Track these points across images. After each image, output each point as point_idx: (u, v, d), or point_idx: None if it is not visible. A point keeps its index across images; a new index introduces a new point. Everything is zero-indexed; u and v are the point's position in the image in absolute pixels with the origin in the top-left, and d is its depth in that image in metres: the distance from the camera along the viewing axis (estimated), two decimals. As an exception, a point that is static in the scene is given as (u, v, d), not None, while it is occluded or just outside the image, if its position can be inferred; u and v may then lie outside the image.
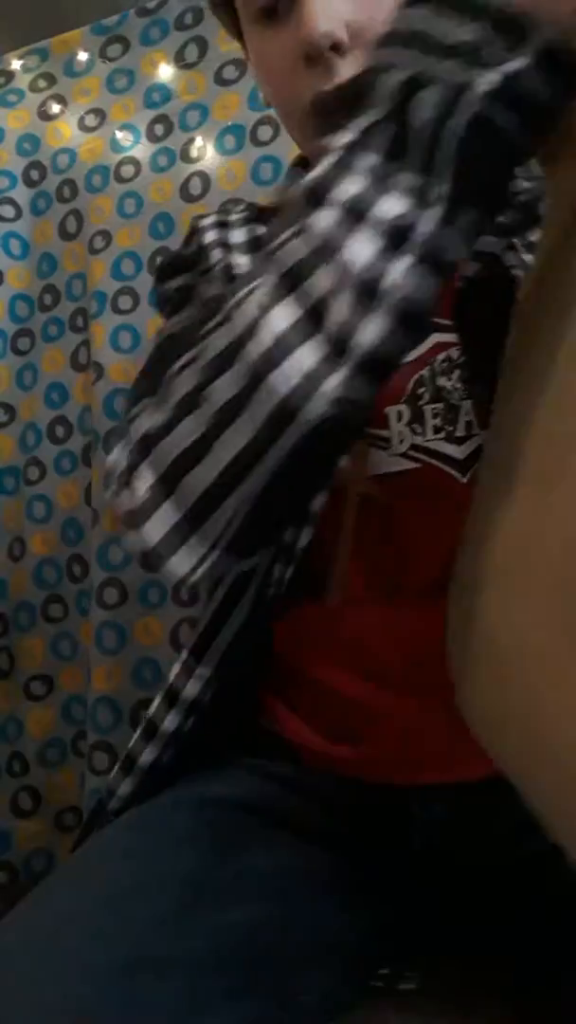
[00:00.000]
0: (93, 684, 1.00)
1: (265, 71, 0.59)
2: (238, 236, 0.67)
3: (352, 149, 0.35)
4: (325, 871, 0.53)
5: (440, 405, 0.57)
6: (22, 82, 1.12)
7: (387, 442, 0.56)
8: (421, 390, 0.57)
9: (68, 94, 1.10)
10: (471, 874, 0.54)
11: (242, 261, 0.65)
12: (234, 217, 0.70)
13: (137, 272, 1.02)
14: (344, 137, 0.36)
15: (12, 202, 1.10)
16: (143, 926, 0.43)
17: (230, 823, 0.52)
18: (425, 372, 0.57)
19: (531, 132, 0.34)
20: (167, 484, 0.39)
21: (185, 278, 0.67)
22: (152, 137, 1.04)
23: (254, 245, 0.65)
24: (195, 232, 0.70)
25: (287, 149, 0.93)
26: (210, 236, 0.67)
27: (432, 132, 0.33)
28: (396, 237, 0.34)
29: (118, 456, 0.43)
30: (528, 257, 0.56)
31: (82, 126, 1.08)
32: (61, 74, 1.11)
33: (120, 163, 1.04)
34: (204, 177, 0.99)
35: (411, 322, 0.35)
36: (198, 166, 1.00)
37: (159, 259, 1.01)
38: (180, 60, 1.03)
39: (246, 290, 0.38)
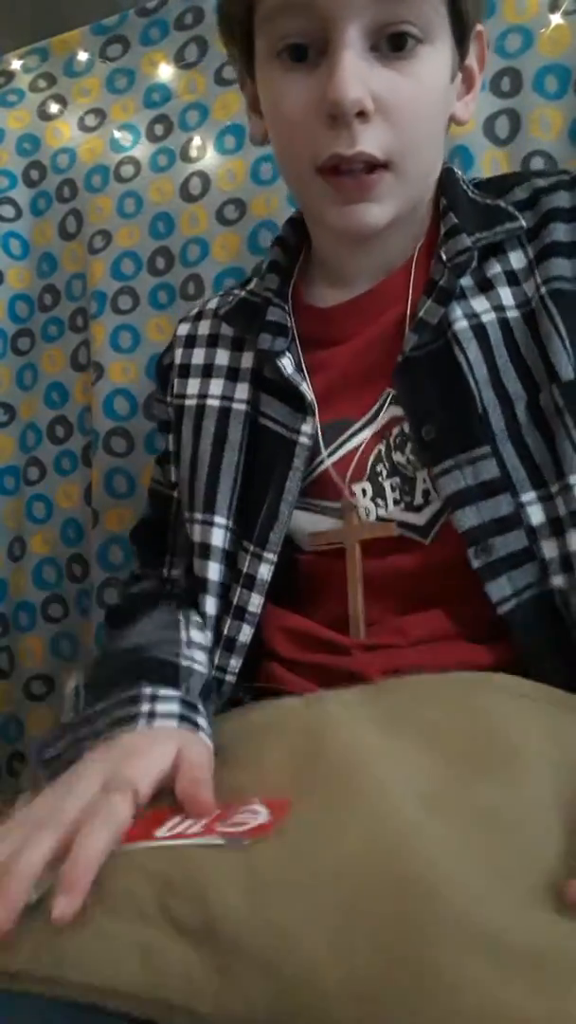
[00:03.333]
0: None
1: (280, 115, 0.59)
2: (204, 328, 0.74)
3: None
4: None
5: (397, 479, 0.61)
6: (22, 82, 1.12)
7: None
8: (379, 467, 0.62)
9: (68, 94, 1.10)
10: None
11: (199, 356, 0.73)
12: (211, 306, 0.75)
13: (137, 272, 1.02)
14: None
15: (12, 202, 1.10)
16: None
17: None
18: (382, 447, 0.62)
19: None
20: None
21: (160, 406, 0.78)
22: (152, 137, 1.04)
23: (213, 340, 0.73)
24: (170, 347, 0.77)
25: (287, 149, 0.92)
26: (178, 355, 0.74)
27: None
28: None
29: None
30: (465, 324, 0.59)
31: (82, 126, 1.08)
32: (61, 74, 1.11)
33: (120, 163, 1.04)
34: (204, 177, 0.99)
35: None
36: (198, 166, 1.00)
37: (159, 258, 1.01)
38: (180, 60, 1.03)
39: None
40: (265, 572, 0.64)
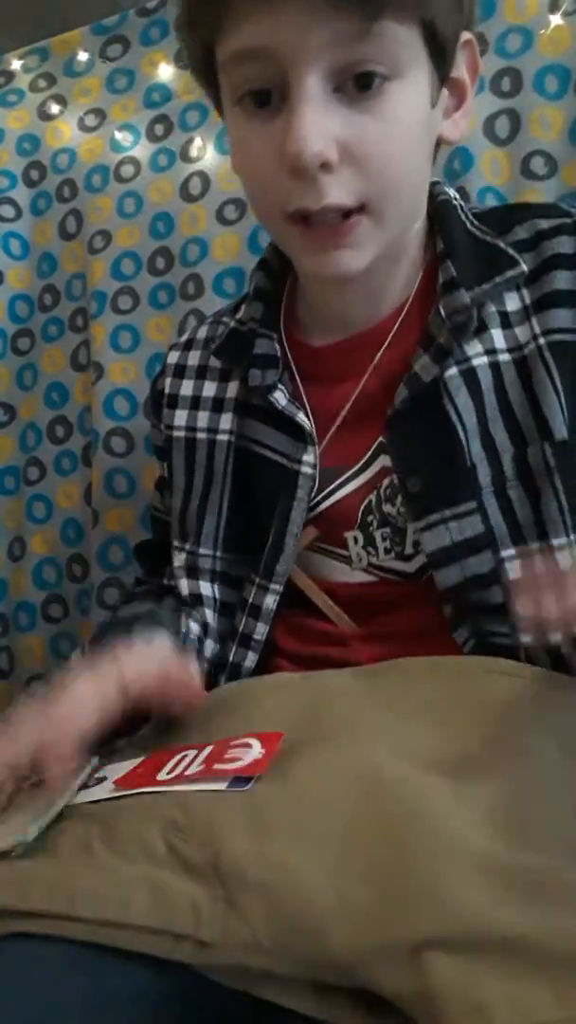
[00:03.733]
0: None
1: (245, 163, 0.57)
2: (193, 359, 0.73)
3: None
4: None
5: (387, 529, 0.61)
6: (22, 82, 1.12)
7: (349, 560, 0.63)
8: (370, 517, 0.62)
9: (68, 94, 1.10)
10: None
11: (187, 387, 0.72)
12: (201, 335, 0.74)
13: (137, 272, 1.02)
14: None
15: (12, 202, 1.10)
16: None
17: None
18: (372, 498, 0.62)
19: None
20: None
21: (154, 430, 0.77)
22: (152, 137, 1.04)
23: (202, 372, 0.72)
24: (162, 372, 0.76)
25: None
26: (167, 384, 0.74)
27: None
28: None
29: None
30: (455, 371, 0.58)
31: (82, 126, 1.08)
32: (61, 74, 1.11)
33: (120, 163, 1.04)
34: (204, 177, 0.99)
35: None
36: (198, 166, 1.00)
37: (159, 258, 1.01)
38: (180, 60, 1.03)
39: None
40: (271, 602, 0.64)
